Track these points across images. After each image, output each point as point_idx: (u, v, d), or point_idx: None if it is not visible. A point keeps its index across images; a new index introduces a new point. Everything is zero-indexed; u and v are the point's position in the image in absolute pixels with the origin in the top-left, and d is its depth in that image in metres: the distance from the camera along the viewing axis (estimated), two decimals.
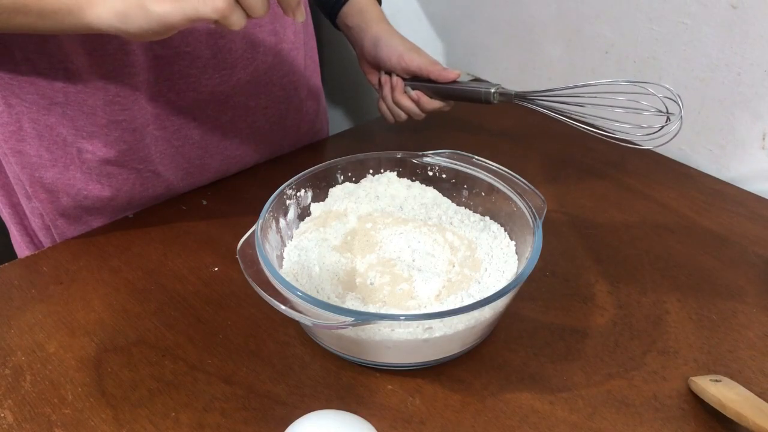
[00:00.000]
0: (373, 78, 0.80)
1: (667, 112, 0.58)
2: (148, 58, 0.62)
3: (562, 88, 0.64)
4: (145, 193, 0.71)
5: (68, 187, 0.67)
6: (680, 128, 0.58)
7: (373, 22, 0.77)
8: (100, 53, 0.60)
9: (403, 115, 0.77)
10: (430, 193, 0.64)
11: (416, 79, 0.74)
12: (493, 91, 0.69)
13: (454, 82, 0.72)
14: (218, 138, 0.72)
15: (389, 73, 0.76)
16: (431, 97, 0.74)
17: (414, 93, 0.74)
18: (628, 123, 0.61)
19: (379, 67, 0.77)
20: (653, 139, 0.59)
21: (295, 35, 0.74)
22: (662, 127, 0.58)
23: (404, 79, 0.75)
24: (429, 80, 0.73)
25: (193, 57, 0.65)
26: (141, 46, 0.61)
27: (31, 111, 0.62)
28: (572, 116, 0.63)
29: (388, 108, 0.78)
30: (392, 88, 0.76)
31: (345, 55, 1.34)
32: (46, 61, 0.59)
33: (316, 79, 0.83)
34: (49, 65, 0.60)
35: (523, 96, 0.67)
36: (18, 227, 0.73)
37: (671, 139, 0.58)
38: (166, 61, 0.63)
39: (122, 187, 0.69)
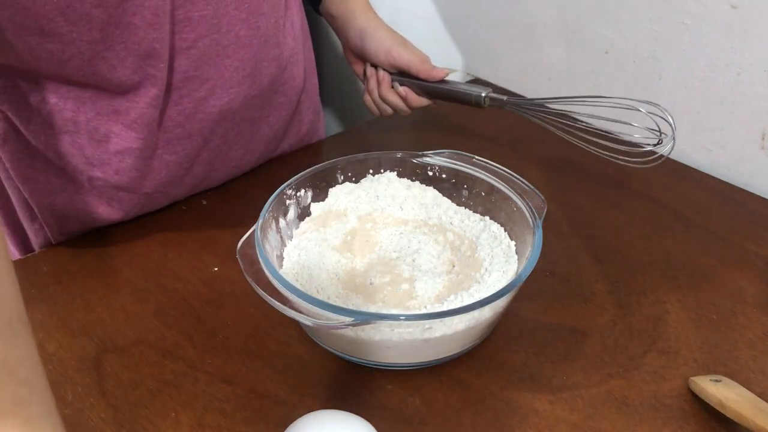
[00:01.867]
0: (359, 69, 0.78)
1: (660, 133, 0.57)
2: (158, 86, 0.61)
3: (555, 99, 0.63)
4: (153, 209, 0.71)
5: (78, 212, 0.66)
6: (672, 149, 0.57)
7: (359, 11, 0.75)
8: (109, 83, 0.58)
9: (388, 110, 0.75)
10: (430, 193, 0.64)
11: (404, 75, 0.73)
12: (483, 95, 0.67)
13: (444, 81, 0.70)
14: (225, 153, 0.71)
15: (375, 65, 0.74)
16: (419, 94, 0.72)
17: (401, 89, 0.72)
18: (620, 141, 0.60)
19: (364, 59, 0.76)
20: (645, 159, 0.58)
21: (294, 41, 0.73)
22: (649, 149, 0.57)
23: (391, 74, 0.73)
24: (417, 77, 0.71)
25: (203, 80, 0.63)
26: (149, 77, 0.60)
27: (39, 140, 0.61)
28: (564, 128, 0.62)
29: (374, 102, 0.76)
30: (378, 83, 0.74)
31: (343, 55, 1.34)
32: (54, 91, 0.58)
33: (314, 80, 0.82)
34: (58, 96, 0.59)
35: (515, 103, 0.66)
36: (20, 248, 0.73)
37: (662, 160, 0.57)
38: (175, 87, 0.62)
39: (132, 209, 0.68)
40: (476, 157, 0.63)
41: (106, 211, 0.67)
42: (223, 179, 0.76)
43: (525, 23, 0.94)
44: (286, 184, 0.59)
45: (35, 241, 0.70)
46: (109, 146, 0.62)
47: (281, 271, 0.55)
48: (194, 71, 0.62)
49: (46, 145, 0.61)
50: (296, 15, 0.73)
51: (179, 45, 0.60)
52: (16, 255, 0.74)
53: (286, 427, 0.44)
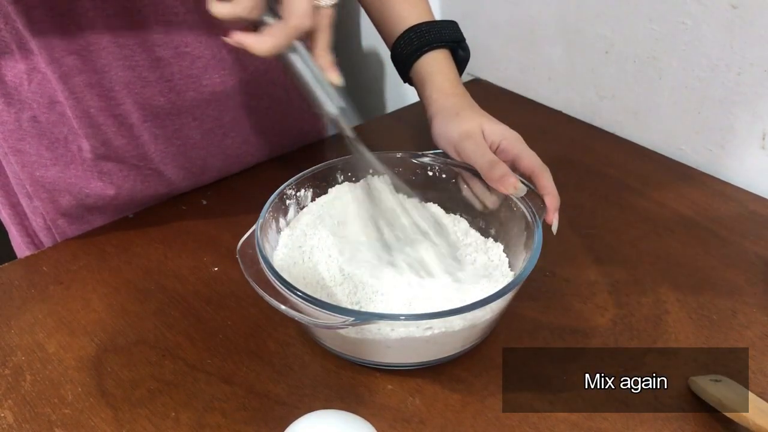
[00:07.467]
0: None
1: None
2: (149, 60, 0.62)
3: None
4: (147, 191, 0.71)
5: (70, 186, 0.67)
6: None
7: (432, 99, 0.65)
8: (96, 50, 0.60)
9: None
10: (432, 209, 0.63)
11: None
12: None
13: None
14: (220, 138, 0.72)
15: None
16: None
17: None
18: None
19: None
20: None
21: None
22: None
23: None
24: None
25: (194, 57, 0.64)
26: (141, 47, 0.61)
27: (30, 109, 0.62)
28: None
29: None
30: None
31: (345, 54, 1.34)
32: (44, 58, 0.59)
33: None
34: (48, 62, 0.60)
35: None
36: (18, 228, 0.73)
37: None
38: (166, 62, 0.63)
39: (124, 184, 0.68)
40: None
41: (98, 186, 0.67)
42: (222, 171, 0.76)
43: (525, 23, 0.94)
44: (286, 184, 0.59)
45: (33, 219, 0.71)
46: (94, 114, 0.63)
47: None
48: (185, 47, 0.63)
49: (36, 113, 0.62)
50: None
51: (169, 18, 0.61)
52: (16, 238, 0.74)
53: (286, 427, 0.44)
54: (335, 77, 0.49)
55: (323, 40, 0.49)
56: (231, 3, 0.43)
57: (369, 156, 0.55)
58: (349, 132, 0.53)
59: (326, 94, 0.49)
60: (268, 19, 0.45)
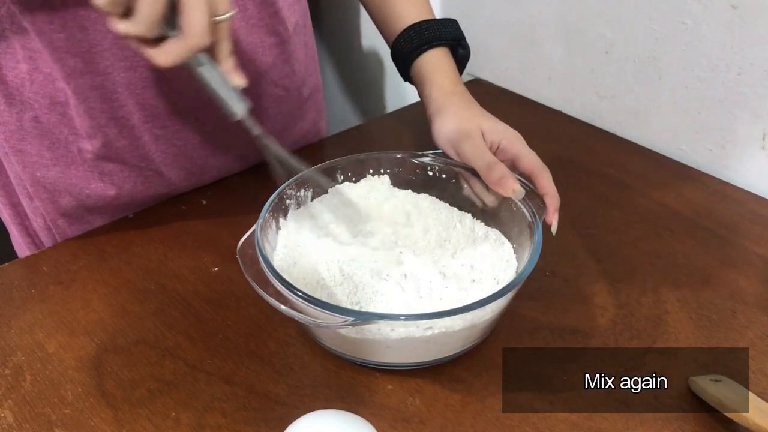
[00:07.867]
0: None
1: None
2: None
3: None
4: (147, 192, 0.71)
5: (70, 187, 0.67)
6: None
7: (432, 97, 0.65)
8: (98, 51, 0.60)
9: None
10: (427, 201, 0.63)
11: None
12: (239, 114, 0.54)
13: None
14: (220, 138, 0.72)
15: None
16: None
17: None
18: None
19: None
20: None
21: (296, 35, 0.73)
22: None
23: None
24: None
25: None
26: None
27: (32, 110, 0.62)
28: None
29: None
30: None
31: (345, 54, 1.34)
32: (47, 59, 0.59)
33: (316, 78, 0.82)
34: (51, 63, 0.60)
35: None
36: (18, 228, 0.73)
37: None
38: None
39: (125, 185, 0.68)
40: None
41: (99, 187, 0.67)
42: (222, 171, 0.76)
43: (525, 23, 0.94)
44: (286, 183, 0.59)
45: (33, 219, 0.71)
46: (95, 115, 0.63)
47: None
48: None
49: (38, 114, 0.62)
50: (297, 6, 0.73)
51: None
52: (17, 238, 0.74)
53: (286, 427, 0.44)
54: (237, 79, 0.51)
55: (224, 48, 0.50)
56: (131, 21, 0.44)
57: (281, 151, 0.56)
58: (256, 130, 0.55)
59: (231, 96, 0.52)
60: (171, 32, 0.46)
